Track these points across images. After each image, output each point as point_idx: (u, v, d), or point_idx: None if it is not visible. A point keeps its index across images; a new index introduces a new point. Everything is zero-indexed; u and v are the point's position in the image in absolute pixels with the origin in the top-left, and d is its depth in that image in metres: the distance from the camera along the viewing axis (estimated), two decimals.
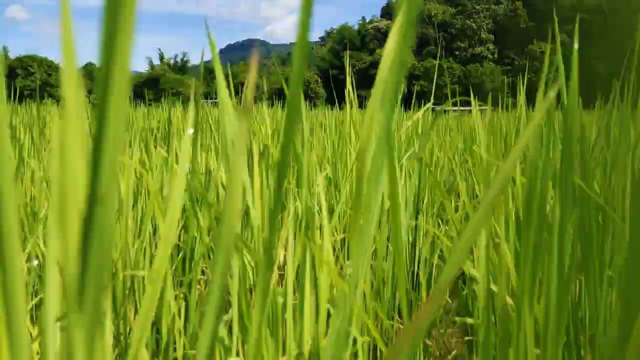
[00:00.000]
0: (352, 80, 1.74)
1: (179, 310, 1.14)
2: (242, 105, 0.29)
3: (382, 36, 50.98)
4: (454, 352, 1.54)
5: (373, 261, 1.35)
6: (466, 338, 1.40)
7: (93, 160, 0.22)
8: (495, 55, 47.16)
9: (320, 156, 2.25)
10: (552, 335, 0.68)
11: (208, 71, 45.74)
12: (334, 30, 54.99)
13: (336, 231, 1.51)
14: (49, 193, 1.26)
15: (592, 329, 0.79)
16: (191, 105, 0.70)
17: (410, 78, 41.19)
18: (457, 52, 48.03)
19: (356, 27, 53.66)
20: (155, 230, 1.41)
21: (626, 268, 0.57)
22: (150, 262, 1.23)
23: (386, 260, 1.41)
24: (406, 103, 7.30)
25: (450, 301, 1.74)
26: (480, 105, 1.60)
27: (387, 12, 53.95)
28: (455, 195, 2.07)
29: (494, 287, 0.76)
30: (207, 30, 0.79)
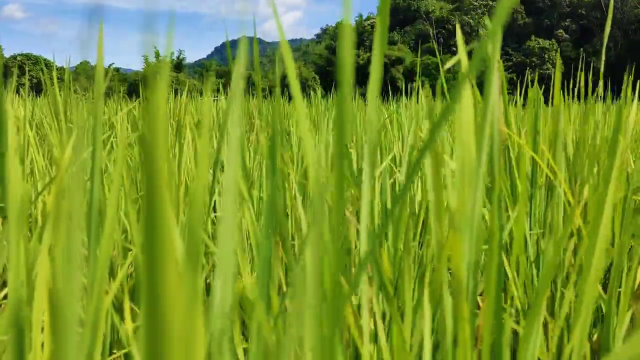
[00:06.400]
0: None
1: None
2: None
3: None
4: None
5: None
6: None
7: None
8: None
9: None
10: None
11: (205, 68, 45.60)
12: (330, 28, 54.90)
13: None
14: None
15: None
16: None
17: (409, 74, 41.11)
18: (454, 49, 47.86)
19: (353, 24, 53.39)
20: None
21: None
22: None
23: None
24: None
25: None
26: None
27: None
28: None
29: None
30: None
